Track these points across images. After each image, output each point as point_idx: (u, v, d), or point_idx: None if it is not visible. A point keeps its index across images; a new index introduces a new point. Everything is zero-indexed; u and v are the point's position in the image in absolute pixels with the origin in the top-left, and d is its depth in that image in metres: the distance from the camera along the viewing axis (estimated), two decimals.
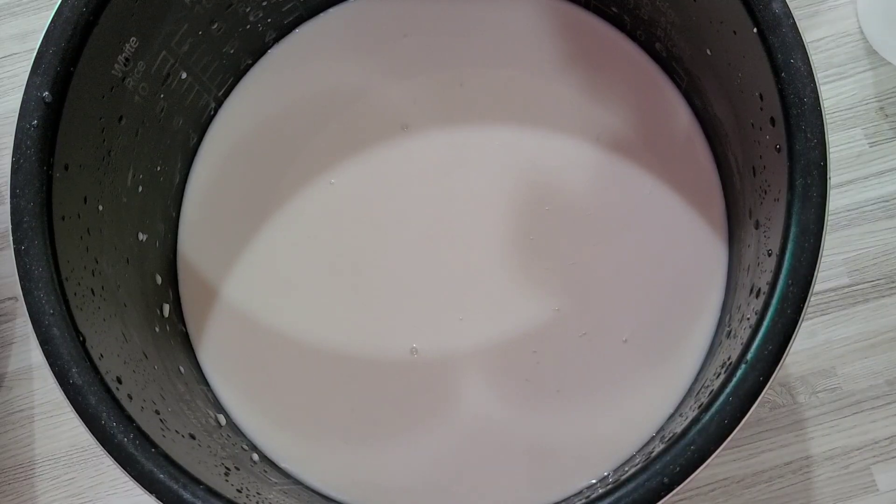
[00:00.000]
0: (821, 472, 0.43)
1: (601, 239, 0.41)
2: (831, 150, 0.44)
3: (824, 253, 0.43)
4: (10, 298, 0.47)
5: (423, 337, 0.41)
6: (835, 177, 0.46)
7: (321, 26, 0.45)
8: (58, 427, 0.46)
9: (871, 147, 0.46)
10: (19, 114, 0.32)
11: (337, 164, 0.43)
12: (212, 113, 0.44)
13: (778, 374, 0.29)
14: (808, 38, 0.46)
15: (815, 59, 0.47)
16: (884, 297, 0.44)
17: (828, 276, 0.44)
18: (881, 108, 0.46)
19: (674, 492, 0.28)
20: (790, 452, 0.43)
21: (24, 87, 0.32)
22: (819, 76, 0.45)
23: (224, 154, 0.44)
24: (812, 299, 0.43)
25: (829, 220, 0.44)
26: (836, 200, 0.45)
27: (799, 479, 0.43)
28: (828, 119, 0.45)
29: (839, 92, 0.47)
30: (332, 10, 0.45)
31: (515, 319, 0.41)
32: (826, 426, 0.43)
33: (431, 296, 0.41)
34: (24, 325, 0.47)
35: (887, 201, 0.45)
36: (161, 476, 0.29)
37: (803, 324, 0.43)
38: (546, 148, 0.43)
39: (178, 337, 0.40)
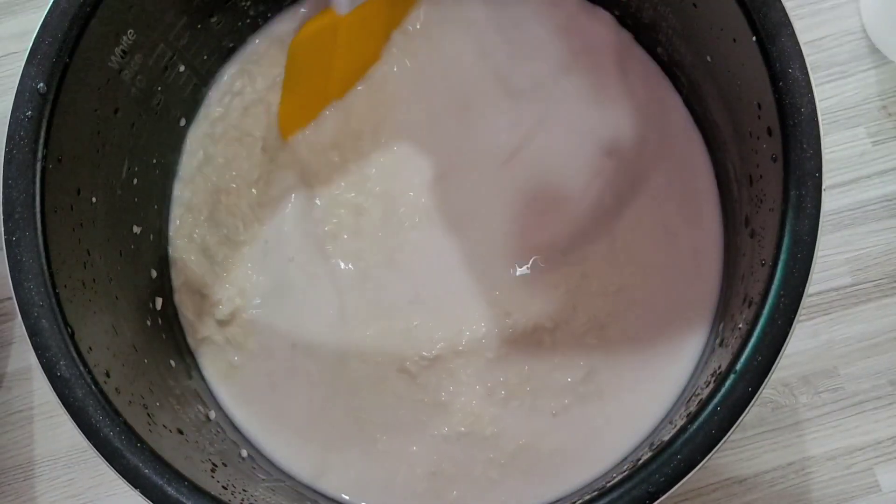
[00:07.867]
0: (823, 472, 0.42)
1: (598, 242, 0.41)
2: (834, 149, 0.45)
3: (827, 252, 0.44)
4: (9, 298, 0.47)
5: (419, 338, 0.41)
6: (837, 176, 0.45)
7: None
8: (57, 427, 0.45)
9: (874, 146, 0.46)
10: (13, 104, 0.31)
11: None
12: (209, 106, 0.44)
13: (767, 384, 0.29)
14: (810, 36, 0.46)
15: (818, 57, 0.46)
16: (886, 296, 0.44)
17: (830, 275, 0.44)
18: (884, 107, 0.46)
19: (659, 500, 0.28)
20: (792, 453, 0.42)
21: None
22: (821, 75, 0.46)
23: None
24: (814, 299, 0.44)
25: (832, 219, 0.44)
26: (839, 199, 0.45)
27: (801, 479, 0.42)
28: (831, 118, 0.46)
29: (842, 91, 0.46)
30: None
31: (511, 323, 0.40)
32: (828, 426, 0.43)
33: (428, 297, 0.41)
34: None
35: (890, 200, 0.45)
36: (146, 471, 0.29)
37: (806, 323, 0.43)
38: (546, 149, 0.42)
39: (170, 331, 0.40)
